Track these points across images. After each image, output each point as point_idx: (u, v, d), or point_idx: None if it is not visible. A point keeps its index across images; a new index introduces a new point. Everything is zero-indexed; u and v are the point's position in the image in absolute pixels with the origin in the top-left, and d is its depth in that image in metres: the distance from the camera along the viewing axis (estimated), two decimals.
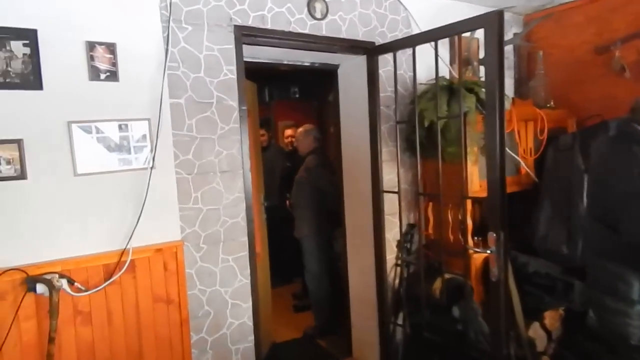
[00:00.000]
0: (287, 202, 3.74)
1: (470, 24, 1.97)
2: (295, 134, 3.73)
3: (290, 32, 2.26)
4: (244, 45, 2.17)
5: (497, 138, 1.91)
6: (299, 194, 3.46)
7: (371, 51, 2.53)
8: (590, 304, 1.80)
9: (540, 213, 2.68)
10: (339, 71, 2.85)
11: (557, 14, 3.02)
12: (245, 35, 2.15)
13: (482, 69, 2.97)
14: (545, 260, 2.55)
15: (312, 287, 3.44)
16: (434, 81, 2.53)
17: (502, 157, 1.93)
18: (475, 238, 2.69)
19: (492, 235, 1.99)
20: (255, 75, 3.02)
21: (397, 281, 2.61)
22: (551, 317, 2.47)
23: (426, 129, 2.44)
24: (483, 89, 2.44)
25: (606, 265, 1.57)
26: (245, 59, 2.29)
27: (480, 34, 2.95)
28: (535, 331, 2.43)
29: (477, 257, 2.55)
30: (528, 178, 2.81)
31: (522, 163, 2.73)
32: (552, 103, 2.98)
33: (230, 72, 2.10)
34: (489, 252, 2.01)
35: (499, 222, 1.96)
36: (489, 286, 2.55)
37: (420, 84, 2.60)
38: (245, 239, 2.12)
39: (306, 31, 2.31)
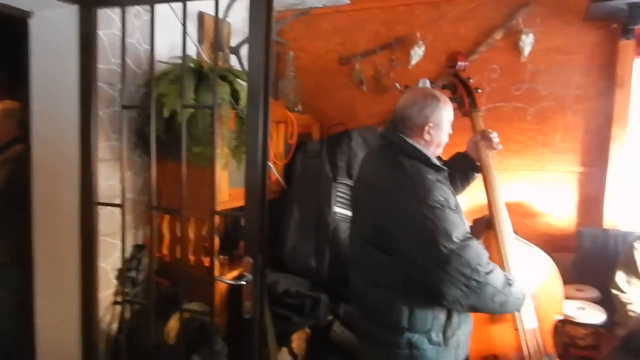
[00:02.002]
0: None
1: None
2: None
3: None
4: None
5: (259, 139, 1.51)
6: None
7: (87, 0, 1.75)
8: (361, 338, 1.63)
9: (289, 223, 2.49)
10: (32, 22, 1.91)
11: (307, 19, 2.93)
12: None
13: (233, 59, 2.59)
14: (294, 277, 2.36)
15: None
16: (178, 61, 1.98)
17: (264, 164, 1.54)
18: (221, 257, 2.26)
19: (248, 261, 1.58)
20: None
21: (115, 326, 1.90)
22: (298, 339, 2.28)
23: (166, 120, 1.85)
24: (238, 79, 2.04)
25: (379, 294, 1.40)
26: None
27: (233, 17, 2.58)
28: (284, 358, 2.18)
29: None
30: (278, 185, 2.59)
31: (273, 169, 2.47)
32: (300, 107, 2.87)
33: None
34: (243, 282, 1.59)
35: (257, 244, 1.57)
36: (234, 315, 2.18)
37: (160, 61, 2.00)
38: None
39: None
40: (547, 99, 2.59)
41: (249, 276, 1.58)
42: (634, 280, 2.08)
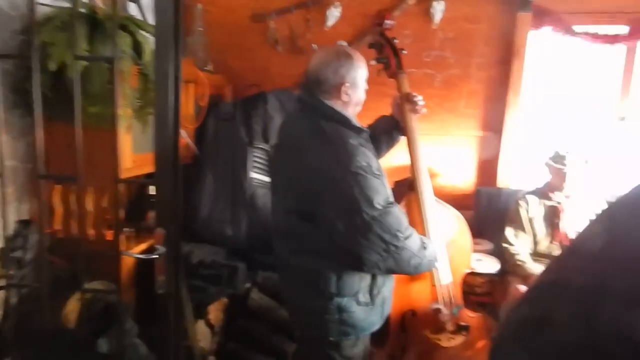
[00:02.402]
0: None
1: None
2: None
3: None
4: None
5: (170, 99, 1.35)
6: None
7: None
8: (289, 307, 1.62)
9: (202, 191, 2.34)
10: None
11: None
12: None
13: (133, 7, 2.29)
14: (210, 246, 2.25)
15: None
16: (65, 4, 1.69)
17: (176, 126, 1.39)
18: (126, 229, 2.06)
19: (160, 232, 1.44)
20: None
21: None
22: (215, 310, 2.19)
23: (53, 74, 1.58)
24: (140, 30, 1.80)
25: (306, 262, 1.37)
26: None
27: None
28: (200, 331, 2.09)
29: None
30: (188, 150, 2.40)
31: (183, 132, 2.28)
32: (210, 66, 2.66)
33: None
34: (155, 256, 1.46)
35: (170, 214, 1.43)
36: (143, 291, 2.02)
37: (42, 4, 1.68)
38: None
39: None
40: (454, 67, 2.71)
41: (162, 249, 1.45)
42: (520, 234, 2.34)
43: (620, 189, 2.48)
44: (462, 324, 1.69)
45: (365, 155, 1.32)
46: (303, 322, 1.56)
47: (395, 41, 1.77)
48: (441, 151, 2.80)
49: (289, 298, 1.59)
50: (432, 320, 1.68)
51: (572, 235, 2.24)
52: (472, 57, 2.68)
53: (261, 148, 2.33)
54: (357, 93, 1.45)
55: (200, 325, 2.09)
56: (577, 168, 2.17)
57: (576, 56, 2.66)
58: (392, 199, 1.37)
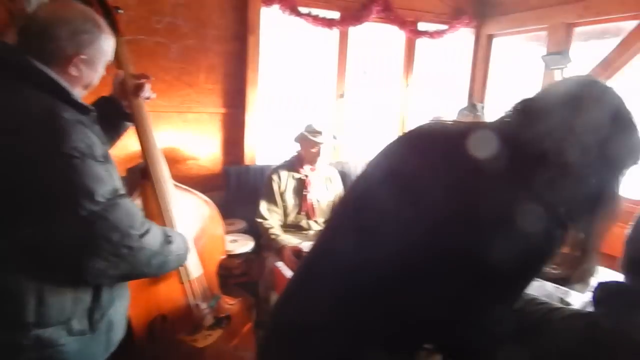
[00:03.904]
0: None
1: None
2: None
3: None
4: None
5: None
6: None
7: None
8: None
9: None
10: None
11: None
12: None
13: None
14: None
15: None
16: None
17: None
18: None
19: None
20: None
21: None
22: None
23: None
24: None
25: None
26: None
27: None
28: None
29: None
30: None
31: None
32: None
33: None
34: None
35: None
36: None
37: None
38: None
39: None
40: (189, 37, 2.50)
41: None
42: (273, 207, 2.38)
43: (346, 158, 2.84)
44: (222, 315, 1.56)
45: (84, 135, 1.00)
46: None
47: None
48: (184, 130, 2.58)
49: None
50: (187, 320, 1.49)
51: (317, 204, 2.40)
52: (207, 28, 2.52)
53: None
54: (91, 75, 1.13)
55: None
56: (329, 142, 2.32)
57: (304, 36, 2.84)
58: (122, 190, 1.09)
